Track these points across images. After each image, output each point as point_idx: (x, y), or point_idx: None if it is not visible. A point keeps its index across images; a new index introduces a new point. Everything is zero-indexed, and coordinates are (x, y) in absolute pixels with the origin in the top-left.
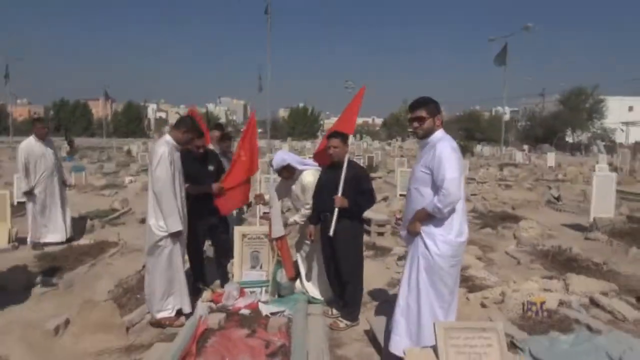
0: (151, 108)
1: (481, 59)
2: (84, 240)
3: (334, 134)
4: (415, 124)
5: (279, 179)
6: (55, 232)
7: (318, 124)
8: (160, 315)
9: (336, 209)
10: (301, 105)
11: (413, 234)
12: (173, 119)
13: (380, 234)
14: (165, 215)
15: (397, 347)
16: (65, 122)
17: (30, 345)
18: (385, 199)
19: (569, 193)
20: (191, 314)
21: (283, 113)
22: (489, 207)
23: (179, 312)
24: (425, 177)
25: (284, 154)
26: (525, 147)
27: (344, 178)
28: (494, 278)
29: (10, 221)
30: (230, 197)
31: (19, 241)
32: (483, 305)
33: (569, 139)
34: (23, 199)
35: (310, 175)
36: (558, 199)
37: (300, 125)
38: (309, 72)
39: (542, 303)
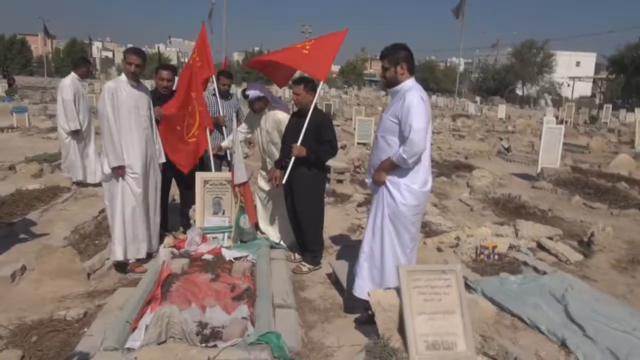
0: (96, 46)
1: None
2: (34, 185)
3: (298, 79)
4: (382, 73)
5: (239, 127)
6: (92, 174)
7: None
8: (116, 258)
9: (292, 158)
10: (257, 49)
11: (378, 183)
12: (119, 59)
13: (340, 181)
14: (105, 151)
15: (361, 291)
16: (1, 59)
17: None
18: (343, 147)
19: (518, 144)
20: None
21: (237, 57)
22: (443, 157)
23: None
24: (393, 126)
25: (259, 87)
26: (478, 98)
27: (305, 126)
28: (448, 224)
29: None
30: (182, 152)
31: None
32: (439, 250)
33: (519, 91)
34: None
35: (283, 115)
36: (508, 149)
37: (255, 70)
38: (264, 15)
39: (494, 247)
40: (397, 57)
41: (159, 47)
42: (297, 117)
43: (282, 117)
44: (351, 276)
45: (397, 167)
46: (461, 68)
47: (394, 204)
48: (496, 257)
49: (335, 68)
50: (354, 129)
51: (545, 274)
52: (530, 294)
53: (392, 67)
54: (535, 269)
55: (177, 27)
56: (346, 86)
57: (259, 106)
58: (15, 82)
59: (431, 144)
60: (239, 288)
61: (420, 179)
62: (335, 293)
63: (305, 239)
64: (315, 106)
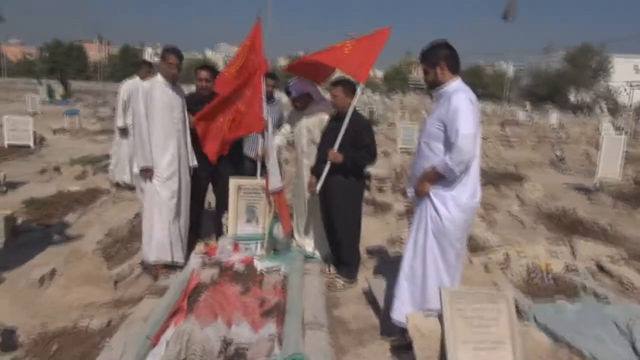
0: (148, 52)
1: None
2: (75, 187)
3: (336, 81)
4: (423, 77)
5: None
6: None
7: None
8: (146, 258)
9: (327, 164)
10: (301, 54)
11: (421, 195)
12: None
13: (381, 189)
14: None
15: (399, 314)
16: (60, 65)
17: (14, 297)
18: (385, 153)
19: (572, 154)
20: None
21: (282, 62)
22: (491, 165)
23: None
24: (438, 132)
25: (305, 83)
26: (528, 105)
27: (343, 131)
28: (497, 239)
29: None
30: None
31: (7, 186)
32: (486, 269)
33: (572, 98)
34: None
35: (325, 114)
36: (562, 159)
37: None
38: (308, 20)
39: (548, 268)
40: (436, 57)
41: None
42: (335, 120)
43: (327, 117)
44: (389, 296)
45: (442, 178)
46: (510, 73)
47: (439, 219)
48: (550, 279)
49: (379, 73)
50: (397, 135)
51: (606, 299)
52: (590, 324)
53: (432, 69)
54: (595, 294)
55: (224, 32)
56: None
57: (302, 103)
58: (69, 86)
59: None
60: (269, 303)
61: (468, 191)
62: (370, 312)
63: (341, 252)
64: (354, 110)
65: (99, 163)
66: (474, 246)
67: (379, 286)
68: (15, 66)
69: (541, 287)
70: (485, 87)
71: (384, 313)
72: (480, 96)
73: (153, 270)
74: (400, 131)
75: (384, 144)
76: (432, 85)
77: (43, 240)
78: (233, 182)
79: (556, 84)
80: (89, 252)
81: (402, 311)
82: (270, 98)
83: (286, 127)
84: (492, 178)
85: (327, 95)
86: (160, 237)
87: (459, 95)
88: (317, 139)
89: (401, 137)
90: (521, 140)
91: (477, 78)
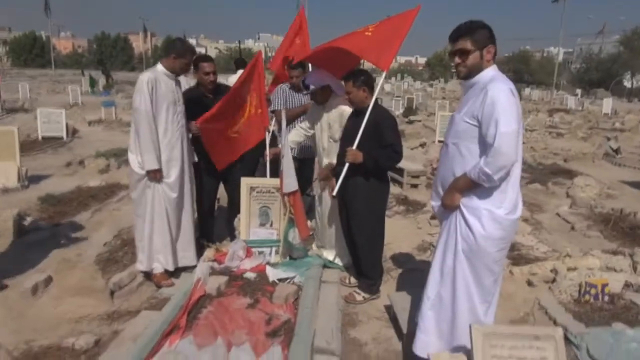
0: (191, 43)
1: None
2: (95, 182)
3: (345, 76)
4: (457, 59)
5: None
6: None
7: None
8: (140, 268)
9: (345, 165)
10: None
11: (450, 208)
12: (212, 54)
13: (414, 185)
14: (141, 150)
15: (423, 348)
16: (107, 56)
17: (8, 307)
18: (422, 145)
19: (629, 145)
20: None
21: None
22: (537, 159)
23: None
24: (470, 129)
25: (323, 74)
26: (578, 91)
27: (363, 127)
28: (543, 248)
29: (20, 159)
30: (221, 147)
31: (29, 180)
32: (530, 284)
33: (627, 83)
34: None
35: (347, 107)
36: (617, 151)
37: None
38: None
39: (604, 285)
40: (484, 37)
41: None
42: (356, 116)
43: (348, 110)
44: (413, 320)
45: (476, 186)
46: (560, 58)
47: (472, 237)
48: (607, 298)
49: (421, 60)
50: (436, 125)
51: None
52: None
53: (478, 50)
54: None
55: (265, 22)
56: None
57: (322, 97)
58: (111, 77)
59: (523, 143)
60: (277, 320)
61: (508, 202)
62: (392, 334)
63: (361, 262)
64: (376, 103)
65: (124, 156)
66: (517, 257)
67: (403, 303)
68: (66, 58)
69: (595, 308)
70: (533, 73)
71: (406, 341)
72: (528, 82)
73: (153, 278)
74: (439, 121)
75: (423, 135)
76: (470, 72)
77: (49, 241)
78: (245, 182)
79: (609, 69)
80: (83, 259)
81: (426, 346)
82: (299, 89)
83: (304, 124)
84: (539, 174)
85: None
86: (162, 242)
87: (497, 85)
88: (337, 135)
89: (440, 128)
90: (571, 130)
91: (524, 64)
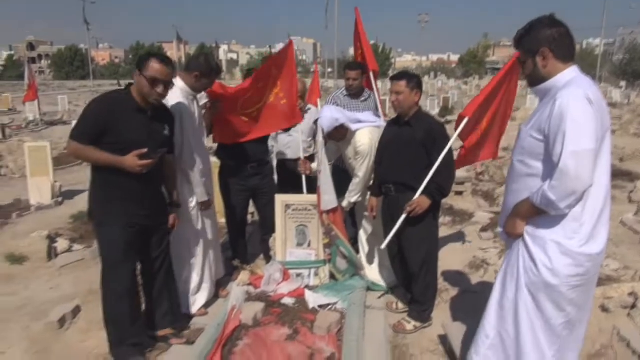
0: (223, 49)
1: None
2: None
3: (399, 74)
4: (522, 69)
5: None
6: None
7: (389, 62)
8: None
9: (402, 216)
10: (372, 42)
11: (512, 236)
12: (244, 60)
13: (459, 193)
14: (193, 181)
15: None
16: None
17: (33, 340)
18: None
19: None
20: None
21: (352, 52)
22: None
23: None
24: (536, 145)
25: (335, 112)
26: (623, 83)
27: (410, 141)
28: (614, 264)
29: (54, 174)
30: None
31: (64, 195)
32: (604, 309)
33: None
34: None
35: (365, 136)
36: None
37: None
38: (378, 6)
39: None
40: (536, 41)
41: (270, 47)
42: (397, 126)
43: (366, 141)
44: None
45: (540, 212)
46: (600, 49)
47: (535, 271)
48: None
49: (453, 57)
50: None
51: None
52: None
53: (528, 58)
54: None
55: (296, 25)
56: (467, 79)
57: (338, 136)
58: None
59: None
60: (320, 355)
61: (584, 233)
62: None
63: (412, 287)
64: (420, 110)
65: None
66: None
67: (458, 333)
68: (103, 69)
69: None
70: None
71: None
72: None
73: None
74: None
75: None
76: (534, 81)
77: (79, 266)
78: (280, 200)
79: None
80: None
81: None
82: (355, 94)
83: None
84: None
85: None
86: (200, 278)
87: (569, 92)
88: (362, 172)
89: None
90: (622, 126)
91: None
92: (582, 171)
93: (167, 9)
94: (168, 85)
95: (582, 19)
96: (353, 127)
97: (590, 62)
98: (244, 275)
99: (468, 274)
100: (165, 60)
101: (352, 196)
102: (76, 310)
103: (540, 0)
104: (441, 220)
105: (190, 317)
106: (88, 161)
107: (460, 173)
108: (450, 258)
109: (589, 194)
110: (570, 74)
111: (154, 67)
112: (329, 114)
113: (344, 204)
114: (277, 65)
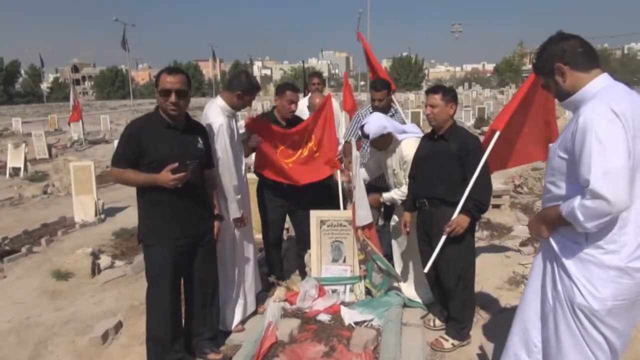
0: (257, 66)
1: None
2: None
3: (434, 87)
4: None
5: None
6: None
7: (422, 73)
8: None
9: (442, 237)
10: (404, 54)
11: (536, 235)
12: (277, 75)
13: (496, 206)
14: (228, 197)
15: None
16: None
17: (77, 355)
18: None
19: None
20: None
21: (385, 64)
22: None
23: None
24: (561, 165)
25: (382, 120)
26: None
27: (447, 155)
28: None
29: (97, 192)
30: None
31: (106, 213)
32: None
33: None
34: None
35: (412, 146)
36: None
37: (404, 75)
38: (411, 18)
39: None
40: (547, 61)
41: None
42: (432, 140)
43: (411, 151)
44: None
45: (569, 224)
46: None
47: (567, 282)
48: None
49: (489, 67)
50: None
51: None
52: None
53: (548, 79)
54: None
55: (329, 40)
56: (502, 88)
57: (382, 144)
58: None
59: None
60: None
61: (630, 247)
62: None
63: (449, 304)
64: (454, 123)
65: None
66: None
67: (498, 351)
68: (143, 89)
69: None
70: (614, 72)
71: None
72: None
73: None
74: None
75: None
76: (561, 97)
77: (121, 282)
78: (315, 216)
79: None
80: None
81: None
82: (382, 112)
83: (368, 165)
84: None
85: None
86: (237, 294)
87: (591, 107)
88: (401, 174)
89: None
90: None
91: (603, 63)
92: (617, 193)
93: (203, 28)
94: (180, 93)
95: (622, 24)
96: (399, 137)
97: (634, 67)
98: (279, 291)
99: (507, 289)
100: (173, 70)
101: (396, 200)
102: (118, 326)
103: (576, 4)
104: (478, 234)
105: (227, 333)
106: (130, 184)
107: (497, 185)
108: (488, 274)
109: (618, 216)
110: (599, 84)
111: (163, 79)
112: (377, 121)
113: (385, 196)
114: (314, 118)
